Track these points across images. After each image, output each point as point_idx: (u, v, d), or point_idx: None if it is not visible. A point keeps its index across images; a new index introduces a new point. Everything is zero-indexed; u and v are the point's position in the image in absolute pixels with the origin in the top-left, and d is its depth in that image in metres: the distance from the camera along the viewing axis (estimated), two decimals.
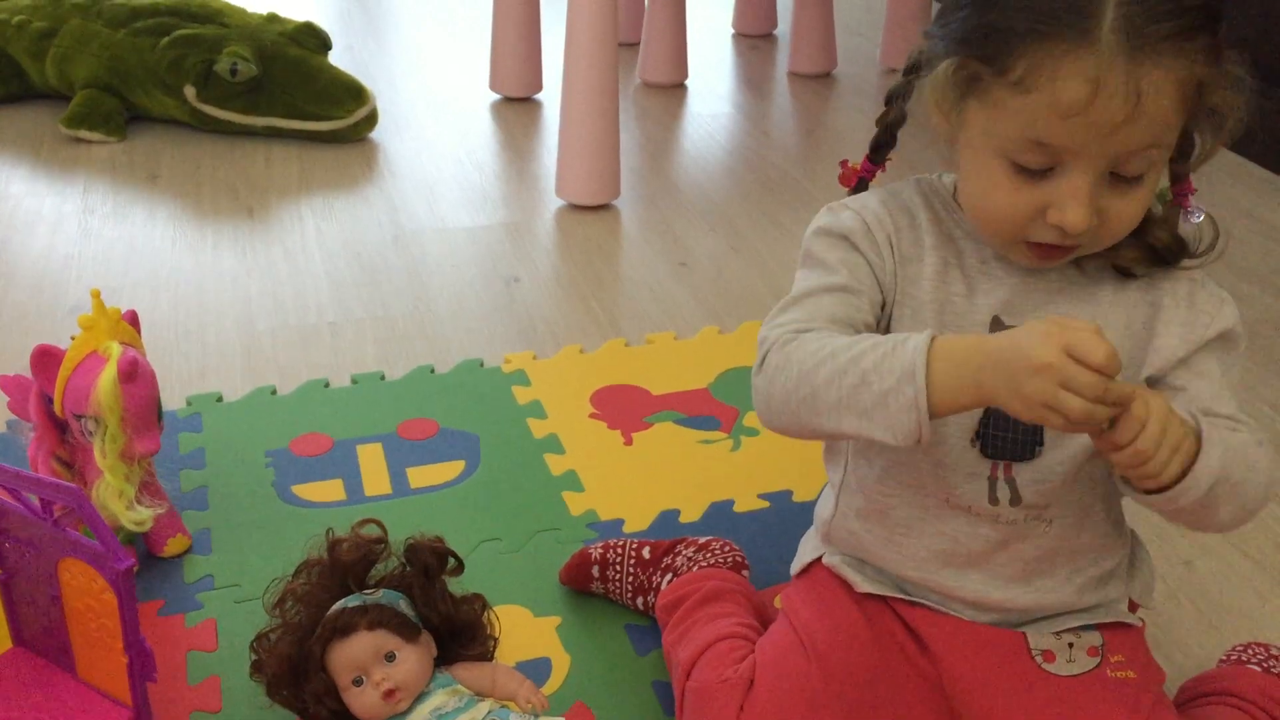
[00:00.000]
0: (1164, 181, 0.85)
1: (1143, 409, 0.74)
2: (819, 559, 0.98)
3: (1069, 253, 0.83)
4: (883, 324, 0.89)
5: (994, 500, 0.88)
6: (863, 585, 0.94)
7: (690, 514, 1.26)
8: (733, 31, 2.83)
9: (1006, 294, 0.86)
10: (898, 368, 0.76)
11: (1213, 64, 0.76)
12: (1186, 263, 0.86)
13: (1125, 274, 0.87)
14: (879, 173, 0.97)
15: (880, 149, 0.96)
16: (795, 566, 1.02)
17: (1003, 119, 0.78)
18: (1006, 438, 0.87)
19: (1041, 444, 0.87)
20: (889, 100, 0.93)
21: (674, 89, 2.51)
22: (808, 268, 0.89)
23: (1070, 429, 0.74)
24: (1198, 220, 0.86)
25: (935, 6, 2.62)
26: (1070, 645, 0.91)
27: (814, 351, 0.80)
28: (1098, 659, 0.91)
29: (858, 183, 0.97)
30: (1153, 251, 0.85)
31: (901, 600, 0.94)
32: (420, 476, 1.31)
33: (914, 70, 0.89)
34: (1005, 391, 0.73)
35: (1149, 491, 0.78)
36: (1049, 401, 0.71)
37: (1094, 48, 0.73)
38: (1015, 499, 0.88)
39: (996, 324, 0.86)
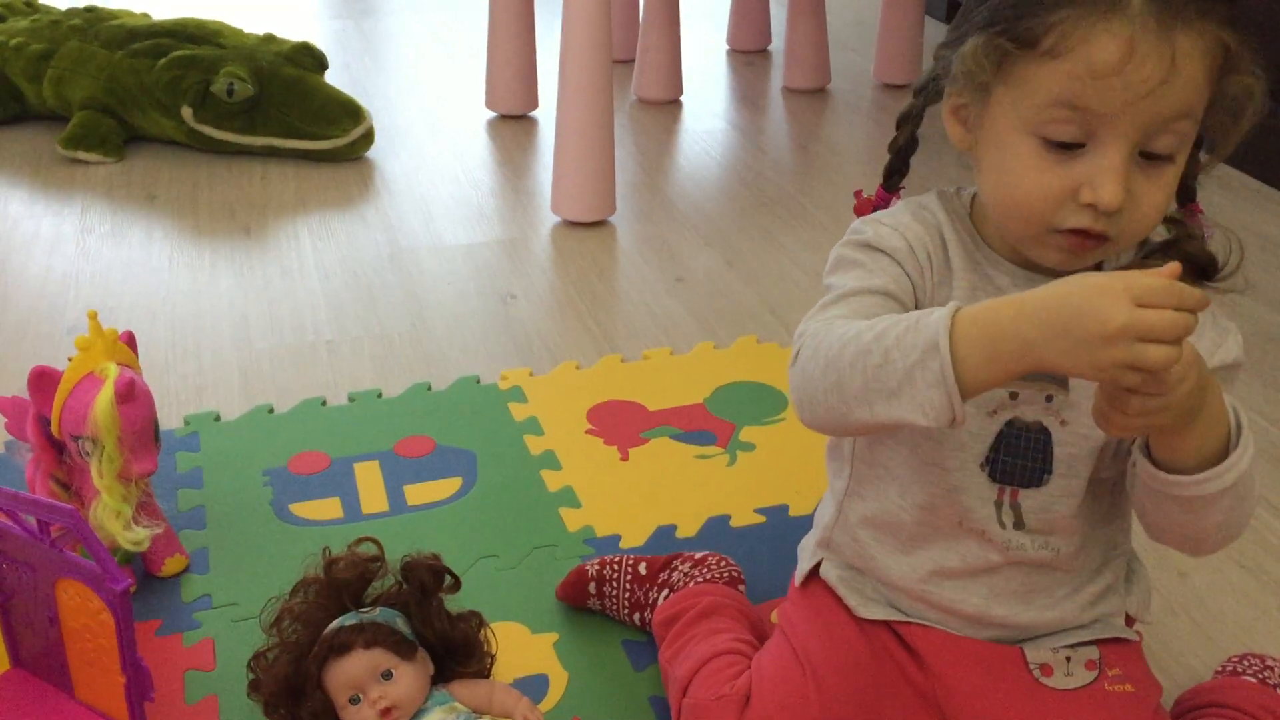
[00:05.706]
0: (1172, 205, 0.84)
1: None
2: (818, 568, 0.98)
3: (1100, 243, 0.80)
4: None
5: (1001, 524, 0.88)
6: (859, 610, 0.94)
7: (687, 529, 1.26)
8: (727, 48, 2.84)
9: None
10: (920, 341, 0.73)
11: (1235, 32, 0.77)
12: (1221, 284, 0.85)
13: None
14: (893, 200, 0.95)
15: (893, 176, 0.95)
16: (798, 576, 1.02)
17: (1033, 90, 0.78)
18: (1016, 464, 0.87)
19: (1050, 472, 0.87)
20: (900, 123, 0.93)
21: (669, 105, 2.52)
22: (844, 271, 0.86)
23: (1147, 385, 0.70)
24: (1209, 236, 0.86)
25: (928, 21, 2.63)
26: (1068, 659, 0.91)
27: (839, 336, 0.77)
28: (1095, 673, 0.91)
29: (872, 213, 0.94)
30: (1188, 260, 0.83)
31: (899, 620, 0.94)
32: (417, 494, 1.31)
33: (924, 91, 0.89)
34: (1069, 359, 0.69)
35: (1175, 471, 0.77)
36: (1129, 361, 0.67)
37: (1125, 12, 0.74)
38: (1019, 523, 0.88)
39: None
